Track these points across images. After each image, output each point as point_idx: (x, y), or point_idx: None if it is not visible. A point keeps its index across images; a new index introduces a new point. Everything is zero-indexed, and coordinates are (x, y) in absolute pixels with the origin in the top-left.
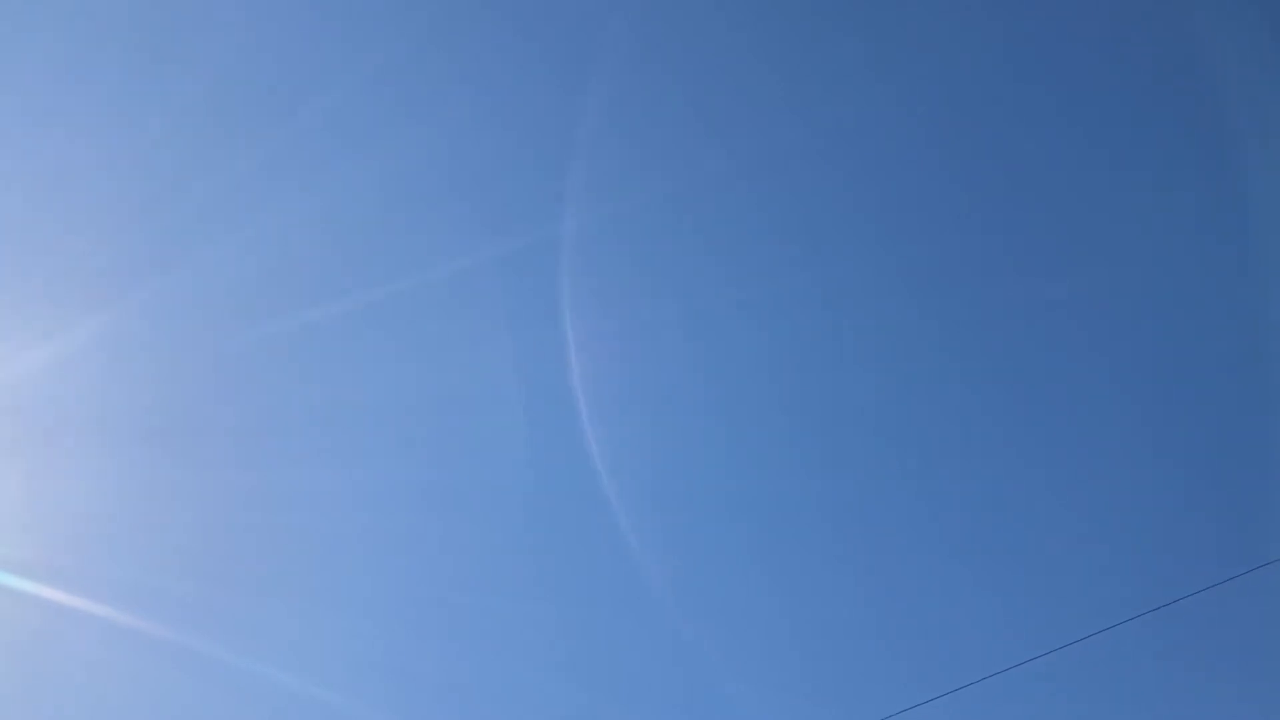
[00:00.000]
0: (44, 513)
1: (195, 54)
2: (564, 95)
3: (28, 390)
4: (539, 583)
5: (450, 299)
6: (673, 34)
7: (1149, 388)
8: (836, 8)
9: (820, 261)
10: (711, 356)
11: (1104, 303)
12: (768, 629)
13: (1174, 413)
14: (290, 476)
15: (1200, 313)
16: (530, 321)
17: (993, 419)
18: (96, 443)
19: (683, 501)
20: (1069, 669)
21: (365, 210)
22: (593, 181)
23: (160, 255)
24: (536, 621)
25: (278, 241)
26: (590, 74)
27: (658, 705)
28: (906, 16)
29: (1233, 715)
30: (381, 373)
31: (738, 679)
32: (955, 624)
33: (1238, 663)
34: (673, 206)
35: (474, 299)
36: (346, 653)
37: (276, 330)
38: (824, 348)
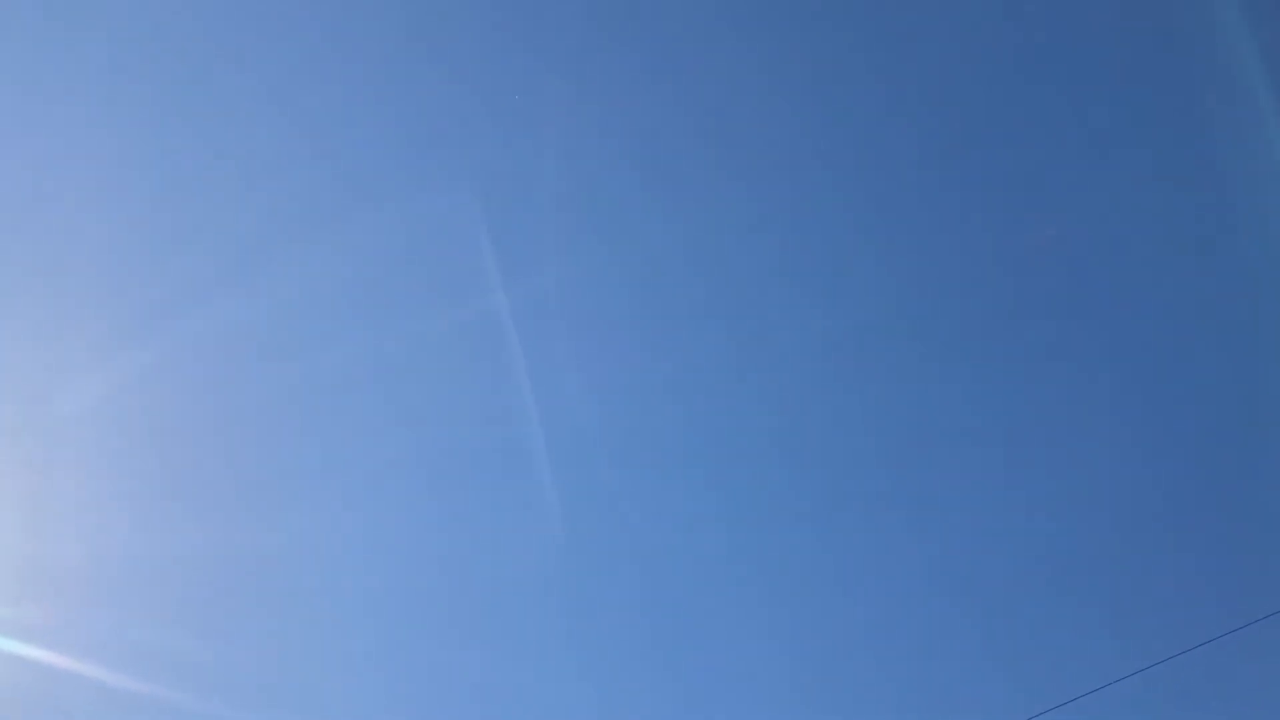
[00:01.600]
0: (44, 572)
1: (203, 112)
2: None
3: (29, 445)
4: (555, 639)
5: (465, 349)
6: (668, 39)
7: (1155, 391)
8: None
9: (817, 264)
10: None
11: (1105, 303)
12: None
13: (1186, 417)
14: (299, 533)
15: (1205, 315)
16: (545, 373)
17: (991, 421)
18: (101, 498)
19: (692, 541)
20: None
21: (373, 263)
22: (599, 224)
23: (165, 310)
24: (554, 679)
25: (286, 294)
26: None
27: None
28: (901, 15)
29: None
30: (390, 428)
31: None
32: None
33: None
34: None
35: (490, 348)
36: (358, 714)
37: (287, 384)
38: (824, 351)
